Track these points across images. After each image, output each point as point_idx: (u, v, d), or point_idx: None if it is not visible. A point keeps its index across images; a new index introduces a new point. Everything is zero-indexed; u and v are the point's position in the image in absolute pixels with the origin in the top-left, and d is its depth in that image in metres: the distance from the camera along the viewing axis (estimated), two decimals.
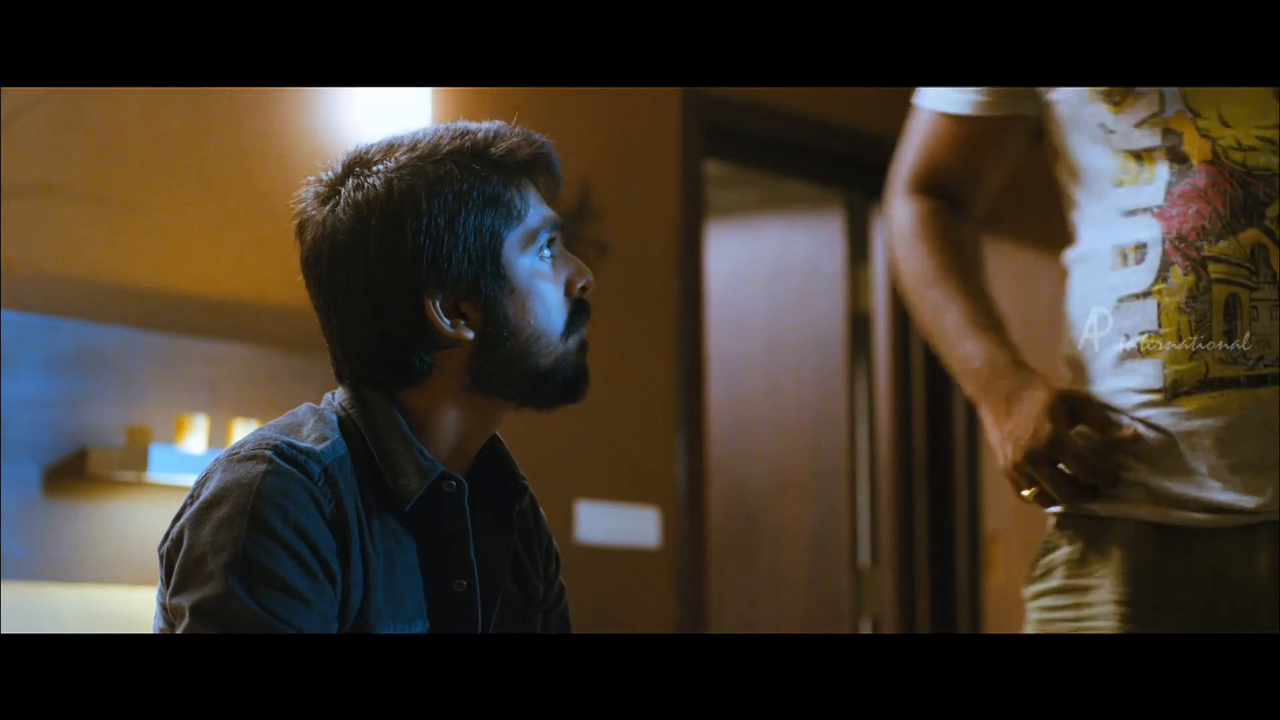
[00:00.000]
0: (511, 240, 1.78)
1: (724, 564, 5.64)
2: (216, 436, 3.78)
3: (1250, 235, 2.07)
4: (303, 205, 1.82)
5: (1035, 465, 2.14)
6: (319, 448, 1.73)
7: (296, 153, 4.12)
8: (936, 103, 2.31)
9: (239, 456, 1.71)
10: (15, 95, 3.69)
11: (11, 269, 3.67)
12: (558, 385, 1.81)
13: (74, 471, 3.65)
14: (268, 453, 1.70)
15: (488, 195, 1.77)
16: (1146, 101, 2.12)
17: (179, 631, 1.66)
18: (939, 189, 2.34)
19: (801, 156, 5.36)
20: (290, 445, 1.71)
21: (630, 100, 4.76)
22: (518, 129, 1.81)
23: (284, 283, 4.11)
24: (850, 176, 5.47)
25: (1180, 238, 2.09)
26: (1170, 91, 2.11)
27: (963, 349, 2.22)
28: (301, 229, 1.82)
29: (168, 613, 1.72)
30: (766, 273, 5.79)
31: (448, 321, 1.76)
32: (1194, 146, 2.10)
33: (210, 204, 4.02)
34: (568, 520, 4.54)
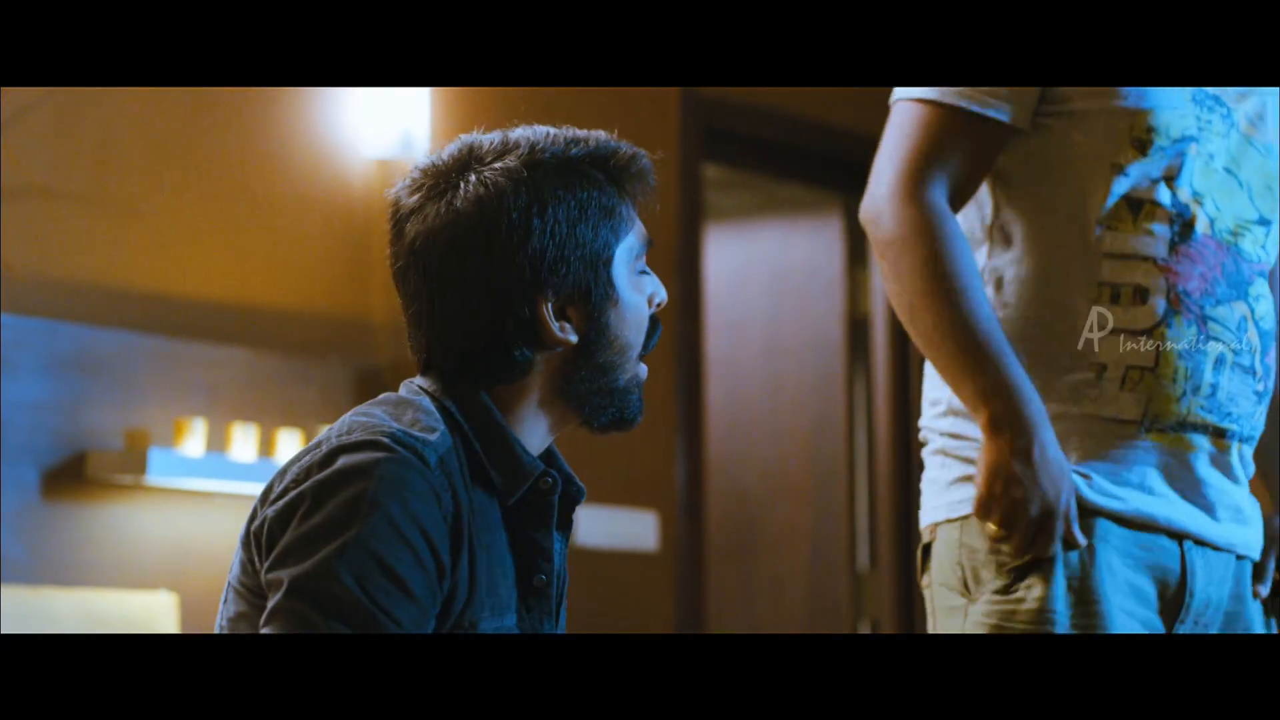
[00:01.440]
0: (620, 252, 1.82)
1: (722, 567, 5.63)
2: (215, 440, 3.78)
3: (1239, 306, 2.25)
4: (407, 196, 1.81)
5: (1030, 525, 2.15)
6: (431, 438, 1.73)
7: (295, 157, 4.12)
8: (984, 107, 2.21)
9: (355, 441, 1.70)
10: (14, 99, 3.69)
11: (11, 272, 3.67)
12: (624, 409, 1.84)
13: (73, 474, 3.65)
14: (386, 439, 1.70)
15: (604, 205, 1.80)
16: (1165, 163, 2.23)
17: (270, 606, 1.65)
18: (953, 194, 2.26)
19: (800, 160, 5.36)
20: (406, 434, 1.72)
21: (628, 103, 4.76)
22: (624, 142, 1.84)
23: (282, 286, 4.11)
24: (849, 180, 5.45)
25: (1186, 293, 2.22)
26: (1189, 162, 2.23)
27: (1007, 374, 2.17)
28: (403, 218, 1.81)
29: (249, 592, 1.72)
30: (765, 276, 5.78)
31: (557, 324, 1.79)
32: (1200, 217, 2.24)
33: (209, 207, 4.02)
34: None
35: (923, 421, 2.37)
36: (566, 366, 1.81)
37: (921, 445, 2.38)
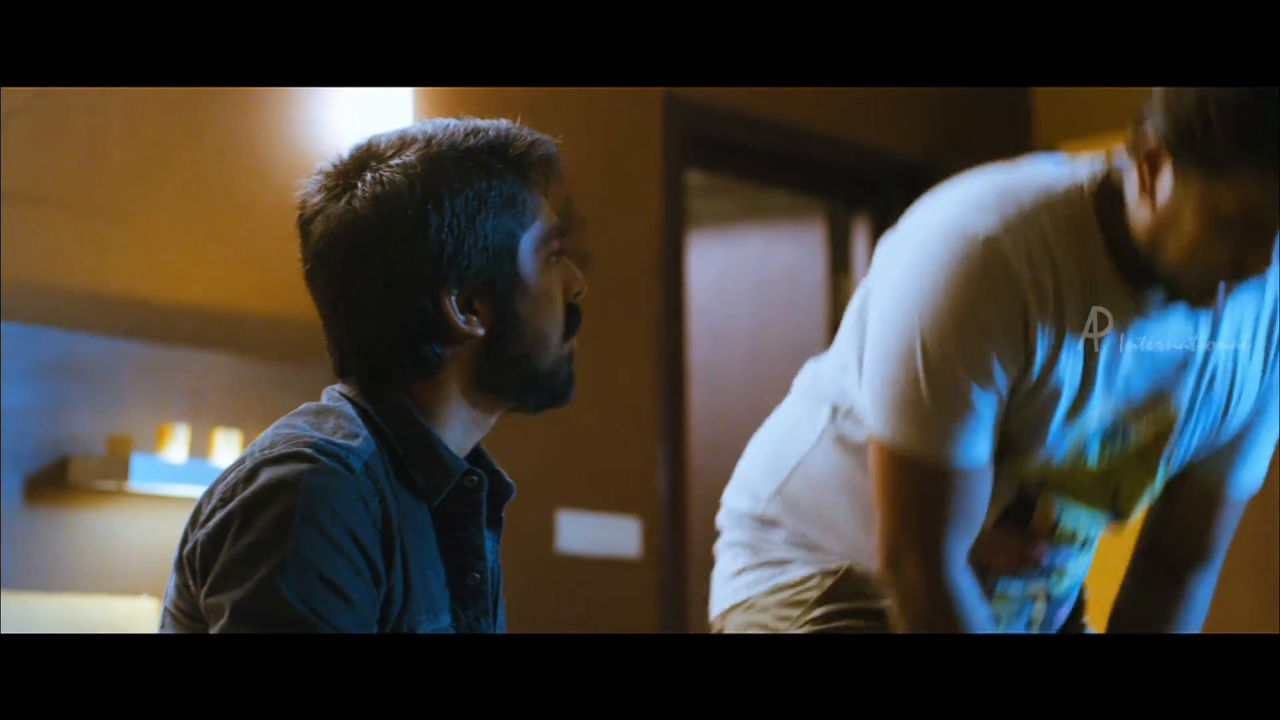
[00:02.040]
0: (526, 241, 1.80)
1: (705, 574, 5.61)
2: (198, 446, 3.77)
3: (1036, 585, 2.24)
4: (311, 197, 1.80)
5: None
6: (354, 444, 1.72)
7: (278, 162, 4.12)
8: (964, 460, 2.15)
9: (278, 455, 1.69)
10: None
11: None
12: (552, 388, 1.84)
13: (55, 480, 3.64)
14: (309, 450, 1.68)
15: (505, 195, 1.79)
16: (1031, 459, 2.17)
17: (214, 631, 1.64)
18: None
19: (783, 166, 5.37)
20: (329, 442, 1.70)
21: (612, 109, 4.76)
22: (525, 129, 1.83)
23: (266, 292, 4.10)
24: (831, 186, 5.47)
25: (984, 568, 2.21)
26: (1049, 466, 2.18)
27: None
28: (308, 221, 1.80)
29: (185, 616, 1.71)
30: (748, 282, 5.79)
31: (462, 317, 1.77)
32: (1042, 516, 2.22)
33: (192, 213, 4.01)
34: (549, 530, 4.54)
35: (736, 508, 2.47)
36: (478, 360, 1.79)
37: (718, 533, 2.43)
